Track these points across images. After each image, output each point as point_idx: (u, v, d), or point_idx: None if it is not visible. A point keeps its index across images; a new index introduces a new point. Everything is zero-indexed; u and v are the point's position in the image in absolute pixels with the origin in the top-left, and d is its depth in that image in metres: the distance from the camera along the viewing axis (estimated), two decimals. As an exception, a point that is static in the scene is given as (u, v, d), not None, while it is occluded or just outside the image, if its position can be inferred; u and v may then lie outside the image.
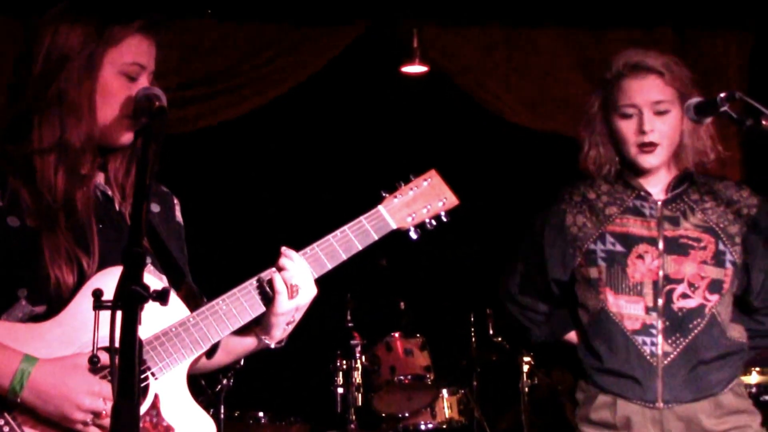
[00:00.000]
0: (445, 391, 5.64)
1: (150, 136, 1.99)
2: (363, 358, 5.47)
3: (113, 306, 1.75)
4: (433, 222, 2.50)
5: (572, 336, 3.15)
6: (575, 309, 3.13)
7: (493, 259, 6.33)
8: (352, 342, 5.44)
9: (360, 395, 5.42)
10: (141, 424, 2.12)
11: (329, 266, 2.37)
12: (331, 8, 5.33)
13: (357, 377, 5.41)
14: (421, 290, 6.06)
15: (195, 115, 5.27)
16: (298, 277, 2.29)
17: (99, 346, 1.94)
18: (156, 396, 2.19)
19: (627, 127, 3.01)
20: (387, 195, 2.47)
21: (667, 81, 3.00)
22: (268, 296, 2.31)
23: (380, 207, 2.45)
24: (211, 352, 2.38)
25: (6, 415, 2.11)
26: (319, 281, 2.36)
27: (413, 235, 2.46)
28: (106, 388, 2.08)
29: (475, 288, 6.10)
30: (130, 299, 1.74)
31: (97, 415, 2.10)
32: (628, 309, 2.99)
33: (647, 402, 2.95)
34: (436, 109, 6.35)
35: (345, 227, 2.39)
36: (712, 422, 2.94)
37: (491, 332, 5.94)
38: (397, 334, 5.55)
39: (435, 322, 5.88)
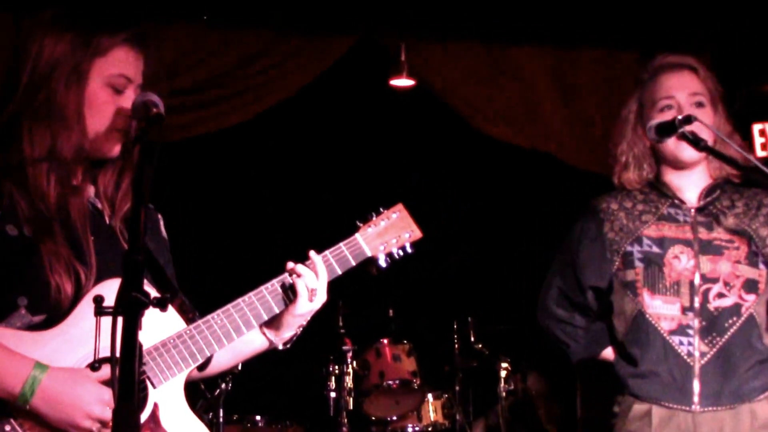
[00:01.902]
0: (430, 395, 5.57)
1: (147, 143, 1.90)
2: (354, 363, 5.41)
3: (114, 312, 1.67)
4: (400, 252, 2.48)
5: (609, 352, 2.99)
6: (611, 322, 2.97)
7: (475, 271, 6.40)
8: (344, 348, 5.37)
9: (351, 399, 5.35)
10: None
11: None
12: (322, 23, 5.28)
13: (348, 382, 5.34)
14: (409, 299, 6.01)
15: (183, 124, 5.15)
16: (314, 282, 2.28)
17: (100, 352, 1.86)
18: (155, 405, 2.13)
19: (666, 119, 2.87)
20: (361, 225, 2.45)
21: (701, 77, 2.93)
22: (287, 299, 2.29)
23: (357, 235, 2.42)
24: (203, 365, 2.31)
25: (12, 421, 2.03)
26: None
27: (383, 264, 2.44)
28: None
29: (458, 298, 6.09)
30: (131, 305, 1.65)
31: (104, 424, 2.02)
32: (665, 309, 2.84)
33: (683, 405, 2.79)
34: (423, 121, 6.31)
35: (326, 252, 2.36)
36: None
37: (472, 339, 5.93)
38: (385, 341, 5.50)
39: (421, 329, 5.84)
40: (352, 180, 6.23)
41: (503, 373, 5.79)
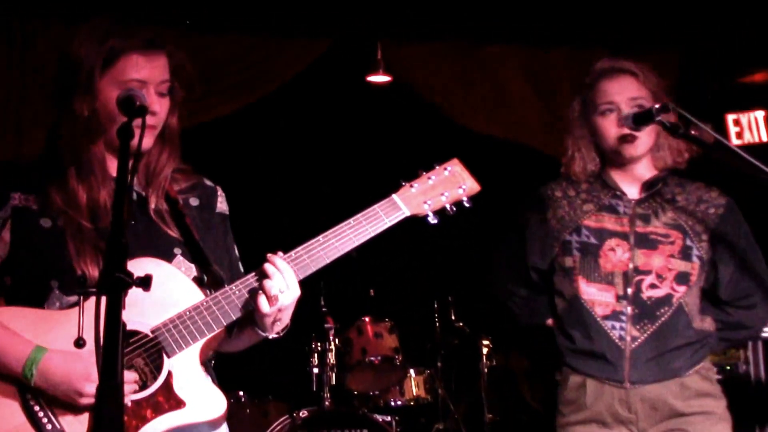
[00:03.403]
0: (412, 371, 5.61)
1: (128, 134, 1.95)
2: (336, 340, 5.43)
3: (98, 292, 1.72)
4: (454, 208, 2.40)
5: (551, 321, 3.11)
6: (552, 297, 3.09)
7: (455, 252, 6.42)
8: (326, 326, 5.39)
9: (334, 375, 5.36)
10: (155, 398, 2.15)
11: (341, 252, 2.28)
12: (303, 23, 5.37)
13: (331, 358, 5.36)
14: (390, 279, 6.03)
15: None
16: (279, 284, 2.19)
17: (84, 330, 1.90)
18: (169, 373, 2.18)
19: (607, 123, 2.97)
20: (405, 183, 2.38)
21: (641, 81, 2.98)
22: (252, 301, 2.23)
23: (394, 195, 2.36)
24: (231, 332, 2.35)
25: (34, 393, 2.15)
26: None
27: (432, 221, 2.36)
28: None
29: (439, 278, 6.12)
30: (114, 286, 1.70)
31: None
32: (600, 296, 2.95)
33: (615, 381, 2.91)
34: (399, 114, 6.38)
35: (359, 215, 2.31)
36: (679, 404, 2.89)
37: (453, 318, 5.96)
38: (367, 319, 5.51)
39: (402, 308, 5.87)
40: (329, 166, 6.33)
41: (485, 351, 5.84)
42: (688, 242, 2.96)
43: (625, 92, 2.95)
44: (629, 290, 2.93)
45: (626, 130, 2.92)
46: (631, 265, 2.94)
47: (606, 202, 3.02)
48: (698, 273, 2.96)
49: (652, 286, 2.93)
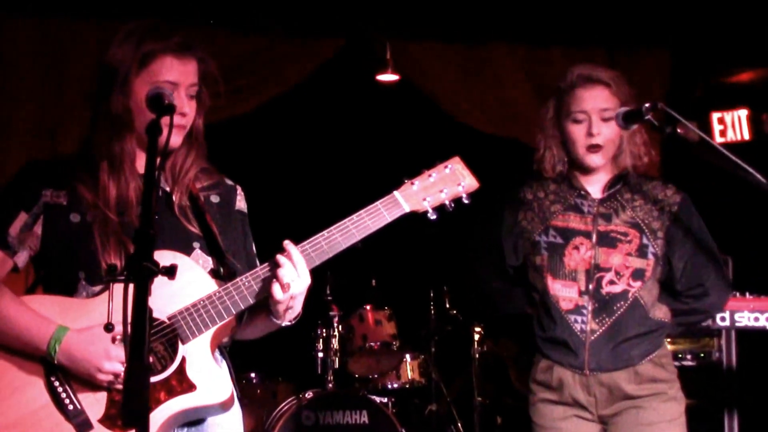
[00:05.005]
0: (408, 356, 5.65)
1: (156, 131, 1.96)
2: (340, 327, 5.48)
3: (126, 279, 1.76)
4: (453, 204, 2.39)
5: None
6: (529, 289, 3.19)
7: (450, 245, 6.43)
8: (331, 313, 5.45)
9: (337, 359, 5.42)
10: (169, 382, 2.19)
11: (344, 246, 2.30)
12: (315, 24, 5.37)
13: (334, 343, 5.41)
14: (390, 269, 6.04)
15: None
16: (290, 273, 2.22)
17: (113, 315, 1.93)
18: (183, 358, 2.21)
19: (577, 131, 3.05)
20: (407, 181, 2.38)
21: (613, 92, 3.04)
22: (265, 290, 2.26)
23: (396, 192, 2.36)
24: (241, 321, 2.38)
25: (58, 373, 2.20)
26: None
27: (432, 216, 2.36)
28: (122, 352, 2.11)
29: (435, 268, 6.14)
30: (141, 273, 1.74)
31: (117, 376, 2.14)
32: (564, 292, 3.05)
33: (576, 368, 3.03)
34: (407, 112, 6.39)
35: (361, 211, 2.32)
36: (631, 387, 3.01)
37: (447, 306, 5.99)
38: (368, 307, 5.55)
39: (401, 296, 5.88)
40: (343, 163, 6.33)
41: (476, 337, 5.87)
42: (645, 240, 3.05)
43: (597, 102, 3.02)
44: (590, 286, 3.03)
45: (593, 140, 3.01)
46: (593, 263, 3.03)
47: (572, 202, 3.11)
48: (653, 269, 3.05)
49: (611, 282, 3.03)
